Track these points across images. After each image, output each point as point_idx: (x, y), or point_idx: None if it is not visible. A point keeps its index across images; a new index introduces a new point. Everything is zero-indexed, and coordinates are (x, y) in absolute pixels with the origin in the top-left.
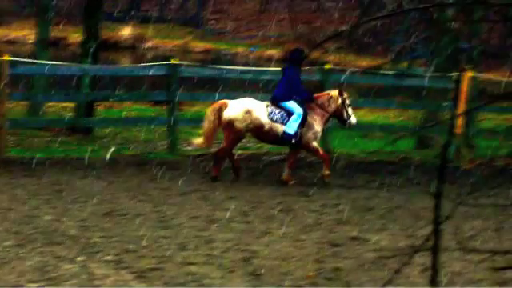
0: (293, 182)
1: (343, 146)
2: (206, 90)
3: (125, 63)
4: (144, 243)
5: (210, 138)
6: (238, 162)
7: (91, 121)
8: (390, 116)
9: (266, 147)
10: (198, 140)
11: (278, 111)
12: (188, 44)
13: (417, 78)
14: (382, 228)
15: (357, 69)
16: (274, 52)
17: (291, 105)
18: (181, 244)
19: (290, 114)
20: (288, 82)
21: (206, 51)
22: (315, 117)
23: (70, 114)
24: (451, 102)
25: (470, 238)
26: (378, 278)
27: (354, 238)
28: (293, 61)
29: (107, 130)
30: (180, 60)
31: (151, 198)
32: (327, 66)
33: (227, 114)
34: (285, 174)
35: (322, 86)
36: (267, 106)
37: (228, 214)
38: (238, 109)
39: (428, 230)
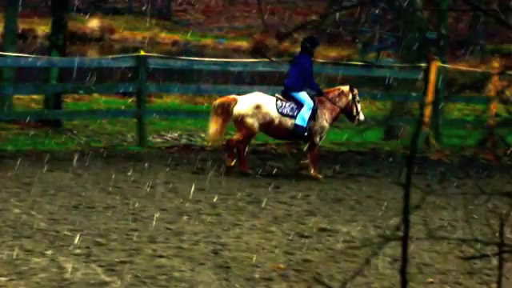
0: (320, 176)
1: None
2: (175, 81)
3: (93, 55)
4: (113, 236)
5: (220, 133)
6: (233, 156)
7: (59, 113)
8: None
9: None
10: (210, 138)
11: (287, 104)
12: (156, 36)
13: (385, 68)
14: (352, 219)
15: (326, 60)
16: (242, 43)
17: (303, 96)
18: (150, 237)
19: (299, 105)
20: (300, 72)
21: (175, 43)
22: (325, 111)
23: (39, 106)
24: (420, 93)
25: (440, 228)
26: (348, 269)
27: (323, 230)
28: (305, 49)
29: (76, 123)
30: (148, 52)
31: (120, 191)
32: None
33: (237, 110)
34: (312, 171)
35: None
36: (277, 100)
37: (198, 206)
38: (247, 104)
39: (397, 220)
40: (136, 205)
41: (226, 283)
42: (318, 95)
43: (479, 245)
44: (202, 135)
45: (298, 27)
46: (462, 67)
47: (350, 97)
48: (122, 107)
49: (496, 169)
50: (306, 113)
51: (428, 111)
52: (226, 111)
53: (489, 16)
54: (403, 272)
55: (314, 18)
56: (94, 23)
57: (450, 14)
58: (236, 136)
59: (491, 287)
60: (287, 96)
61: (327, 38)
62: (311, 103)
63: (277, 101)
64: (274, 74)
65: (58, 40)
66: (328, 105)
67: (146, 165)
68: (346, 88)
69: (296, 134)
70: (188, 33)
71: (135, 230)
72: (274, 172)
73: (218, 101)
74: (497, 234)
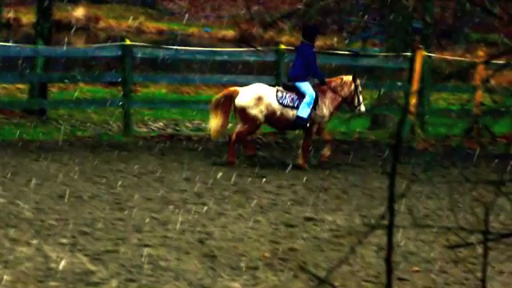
0: (306, 166)
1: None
2: (160, 70)
3: (78, 44)
4: (99, 225)
5: (222, 127)
6: (234, 150)
7: (45, 102)
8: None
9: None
10: (212, 130)
11: (288, 95)
12: (142, 25)
13: (371, 57)
14: (337, 208)
15: None
16: (228, 32)
17: (305, 87)
18: (136, 226)
19: (300, 96)
20: (304, 62)
21: (160, 32)
22: (325, 100)
23: (24, 95)
24: (405, 82)
25: (425, 216)
26: (334, 258)
27: (309, 219)
28: (306, 38)
29: (61, 112)
30: (134, 41)
31: (106, 180)
32: (282, 47)
33: (239, 102)
34: (300, 160)
35: (276, 67)
36: (278, 91)
37: (183, 196)
38: (249, 95)
39: (383, 209)
40: (122, 194)
41: (212, 272)
42: (320, 84)
43: (464, 233)
44: (188, 125)
45: (283, 16)
46: (448, 56)
47: (353, 87)
48: (107, 96)
49: (481, 158)
50: (307, 104)
51: (413, 100)
52: (227, 103)
53: (474, 5)
54: (389, 260)
55: (299, 6)
56: (79, 12)
57: (436, 3)
58: (240, 128)
59: (476, 275)
60: (291, 86)
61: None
62: (313, 94)
63: (277, 92)
64: (260, 63)
65: (43, 29)
66: (329, 94)
67: (132, 154)
68: (348, 78)
69: (297, 125)
70: (173, 22)
71: (121, 220)
72: (261, 162)
73: (220, 94)
74: (482, 223)
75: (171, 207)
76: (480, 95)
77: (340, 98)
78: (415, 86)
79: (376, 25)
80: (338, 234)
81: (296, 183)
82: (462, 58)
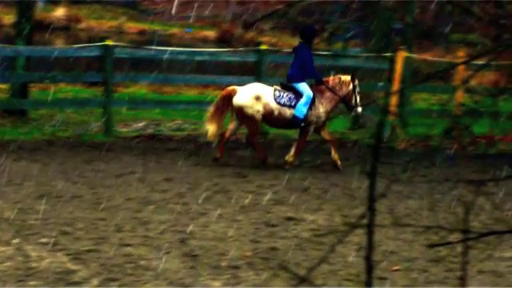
0: (289, 166)
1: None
2: (141, 71)
3: (59, 44)
4: (80, 225)
5: (217, 125)
6: (223, 148)
7: (25, 102)
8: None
9: (203, 128)
10: (210, 132)
11: (285, 94)
12: (123, 25)
13: (352, 58)
14: (318, 208)
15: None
16: (209, 33)
17: (303, 87)
18: (117, 225)
19: (298, 96)
20: (301, 62)
21: (141, 32)
22: (322, 100)
23: (4, 95)
24: (386, 82)
25: (406, 216)
26: (315, 257)
27: (290, 218)
28: (304, 39)
29: (42, 112)
30: (114, 41)
31: (87, 180)
32: (263, 47)
33: (237, 101)
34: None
35: (257, 67)
36: (275, 90)
37: (164, 196)
38: (247, 95)
39: (363, 208)
40: (103, 194)
41: (193, 271)
42: (318, 83)
43: (444, 232)
44: (169, 124)
45: (263, 16)
46: (428, 57)
47: (351, 87)
48: (88, 96)
49: (461, 158)
50: (304, 104)
51: (394, 101)
52: (226, 103)
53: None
54: (369, 259)
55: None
56: (59, 12)
57: (416, 3)
58: (248, 133)
59: (457, 274)
60: (288, 86)
61: (293, 27)
62: (310, 94)
63: (275, 91)
64: (242, 63)
65: (24, 29)
66: (327, 94)
67: (113, 154)
68: (347, 78)
69: (294, 124)
70: (154, 22)
71: (102, 219)
72: (241, 161)
73: (219, 94)
74: (462, 222)
75: (152, 207)
76: (460, 96)
77: (337, 98)
78: (396, 86)
79: (357, 25)
80: (319, 234)
81: (277, 183)
82: (443, 59)
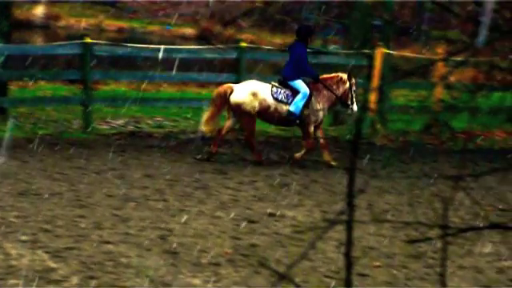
0: (334, 163)
1: (258, 122)
2: (121, 68)
3: (38, 42)
4: (60, 223)
5: (213, 122)
6: (217, 144)
7: (5, 100)
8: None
9: (183, 125)
10: (205, 127)
11: (282, 91)
12: (102, 23)
13: (331, 55)
14: (298, 204)
15: (272, 46)
16: (189, 30)
17: (299, 84)
18: (97, 223)
19: (294, 93)
20: (296, 61)
21: (121, 30)
22: (319, 98)
23: None
24: (365, 79)
25: (385, 211)
26: (295, 254)
27: (270, 215)
28: (300, 38)
29: (21, 110)
30: (94, 39)
31: (67, 178)
32: (243, 44)
33: (234, 98)
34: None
35: (237, 64)
36: (272, 87)
37: (144, 193)
38: (244, 92)
39: (343, 204)
40: (82, 191)
41: (173, 269)
42: (314, 81)
43: (424, 228)
44: (149, 121)
45: (242, 14)
46: (407, 53)
47: (348, 85)
48: (68, 94)
49: (440, 153)
50: (300, 100)
51: (373, 97)
52: (223, 100)
53: (433, 3)
54: (348, 255)
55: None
56: (38, 10)
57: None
58: (245, 133)
59: (437, 270)
60: (284, 84)
61: (273, 24)
62: (307, 91)
63: (272, 87)
64: (221, 60)
65: (3, 27)
66: (324, 92)
67: (93, 152)
68: (344, 75)
69: (289, 120)
70: (134, 20)
71: (82, 217)
72: (221, 158)
73: (216, 91)
74: (441, 217)
75: (132, 204)
76: (439, 92)
77: (334, 96)
78: (375, 82)
79: (336, 22)
80: (299, 230)
81: (257, 179)
82: (422, 55)
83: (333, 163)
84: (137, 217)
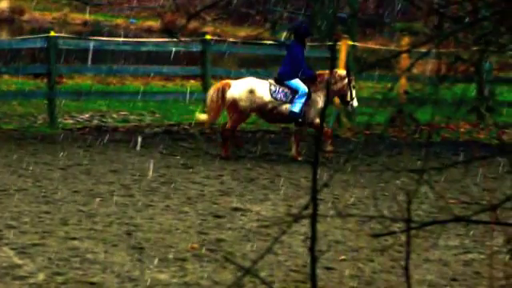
0: (300, 158)
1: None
2: (86, 62)
3: (2, 36)
4: (25, 219)
5: (214, 117)
6: (241, 142)
7: None
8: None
9: (148, 119)
10: (203, 116)
11: (281, 90)
12: (67, 16)
13: None
14: (265, 198)
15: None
16: (154, 23)
17: (296, 82)
18: (63, 219)
19: (294, 91)
20: (292, 60)
21: (85, 23)
22: (319, 93)
23: None
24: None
25: (351, 205)
26: (261, 248)
27: (236, 209)
28: (297, 37)
29: None
30: (59, 32)
31: (32, 173)
32: (207, 37)
33: (231, 94)
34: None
35: (202, 57)
36: (271, 85)
37: (110, 188)
38: (241, 88)
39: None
40: (48, 187)
41: (140, 264)
42: (311, 80)
43: (389, 221)
44: (114, 116)
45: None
46: (372, 45)
47: (346, 81)
48: (33, 88)
49: (405, 146)
50: (299, 99)
51: None
52: (221, 96)
53: None
54: (312, 250)
55: None
56: (3, 4)
57: None
58: (228, 125)
59: (402, 264)
60: (281, 83)
61: (237, 17)
62: (305, 89)
63: (270, 86)
64: (187, 53)
65: None
66: (322, 89)
67: (58, 147)
68: (342, 72)
69: (291, 119)
70: (99, 13)
71: (47, 213)
72: (187, 153)
73: (213, 87)
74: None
75: (98, 199)
76: (404, 83)
77: (332, 92)
78: None
79: (300, 15)
80: (265, 224)
81: (223, 174)
82: (386, 47)
83: (299, 158)
84: (103, 212)
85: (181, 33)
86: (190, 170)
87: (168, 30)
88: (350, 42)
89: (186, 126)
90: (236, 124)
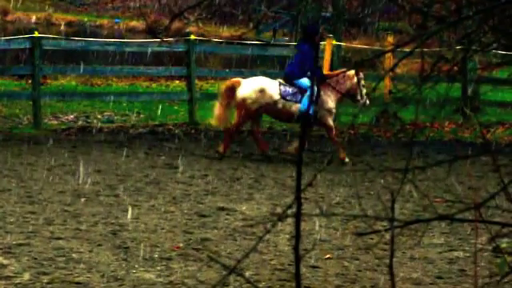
0: (346, 159)
1: (209, 116)
2: (70, 62)
3: None
4: (10, 219)
5: (224, 117)
6: (263, 142)
7: None
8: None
9: (133, 120)
10: (214, 120)
11: (291, 89)
12: (51, 16)
13: (280, 47)
14: (249, 198)
15: (221, 39)
16: (138, 23)
17: (304, 82)
18: (48, 219)
19: (303, 91)
20: (301, 59)
21: (70, 24)
22: (329, 93)
23: None
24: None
25: (337, 204)
26: (246, 247)
27: (221, 209)
28: (306, 36)
29: None
30: (43, 33)
31: (17, 174)
32: (192, 37)
33: (241, 93)
34: (341, 155)
35: (187, 57)
36: (280, 84)
37: (95, 188)
38: (251, 88)
39: (293, 198)
40: (33, 187)
41: (125, 264)
42: (320, 80)
43: (373, 220)
44: (99, 116)
45: (189, 7)
46: (357, 45)
47: (355, 80)
48: (17, 89)
49: (390, 145)
50: (309, 98)
51: None
52: (231, 95)
53: None
54: (296, 249)
55: None
56: None
57: None
58: (235, 121)
59: (386, 262)
60: (289, 83)
61: (221, 17)
62: (314, 88)
63: (280, 85)
64: (171, 53)
65: None
66: (332, 88)
67: (43, 147)
68: (351, 71)
69: (301, 119)
70: (83, 13)
71: (32, 213)
72: (172, 152)
73: (224, 85)
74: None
75: (83, 199)
76: (388, 84)
77: (342, 91)
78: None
79: (285, 14)
80: (251, 224)
81: (208, 173)
82: (371, 47)
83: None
84: (88, 212)
85: (165, 33)
86: (175, 170)
87: (152, 31)
88: (334, 42)
89: (171, 127)
90: (242, 122)
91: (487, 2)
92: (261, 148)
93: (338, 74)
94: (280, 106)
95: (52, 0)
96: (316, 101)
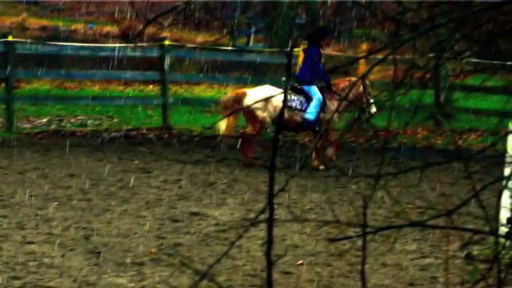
0: (322, 167)
1: (183, 121)
2: (44, 67)
3: None
4: None
5: (231, 128)
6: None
7: None
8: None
9: (106, 124)
10: (221, 129)
11: (296, 98)
12: (25, 21)
13: (255, 53)
14: (223, 203)
15: (195, 45)
16: (112, 28)
17: (313, 89)
18: (20, 223)
19: (308, 99)
20: (310, 64)
21: (43, 28)
22: (334, 102)
23: None
24: (288, 77)
25: (310, 210)
26: (219, 252)
27: (194, 214)
28: (313, 41)
29: None
30: (16, 37)
31: None
32: (166, 42)
33: (248, 104)
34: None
35: (160, 62)
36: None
37: (68, 192)
38: (257, 98)
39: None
40: (5, 191)
41: (97, 268)
42: (327, 87)
43: (345, 226)
44: (72, 120)
45: (163, 13)
46: (331, 52)
47: (361, 88)
48: None
49: (362, 151)
50: (315, 107)
51: None
52: (236, 105)
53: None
54: (268, 254)
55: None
56: None
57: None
58: (249, 129)
59: (358, 268)
60: (299, 89)
61: (195, 23)
62: (320, 96)
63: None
64: (145, 58)
65: None
66: (337, 97)
67: (15, 151)
68: (355, 79)
69: (306, 127)
70: (57, 18)
71: (4, 217)
72: (145, 157)
73: (229, 95)
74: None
75: (55, 204)
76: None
77: (349, 100)
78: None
79: (259, 21)
80: (224, 229)
81: (181, 178)
82: (345, 54)
83: (321, 167)
84: (60, 216)
85: (139, 38)
86: (148, 175)
87: (126, 36)
88: None
89: (145, 131)
90: (258, 132)
91: (460, 11)
92: (245, 153)
93: (343, 82)
94: (287, 115)
95: (26, 5)
96: (322, 109)
